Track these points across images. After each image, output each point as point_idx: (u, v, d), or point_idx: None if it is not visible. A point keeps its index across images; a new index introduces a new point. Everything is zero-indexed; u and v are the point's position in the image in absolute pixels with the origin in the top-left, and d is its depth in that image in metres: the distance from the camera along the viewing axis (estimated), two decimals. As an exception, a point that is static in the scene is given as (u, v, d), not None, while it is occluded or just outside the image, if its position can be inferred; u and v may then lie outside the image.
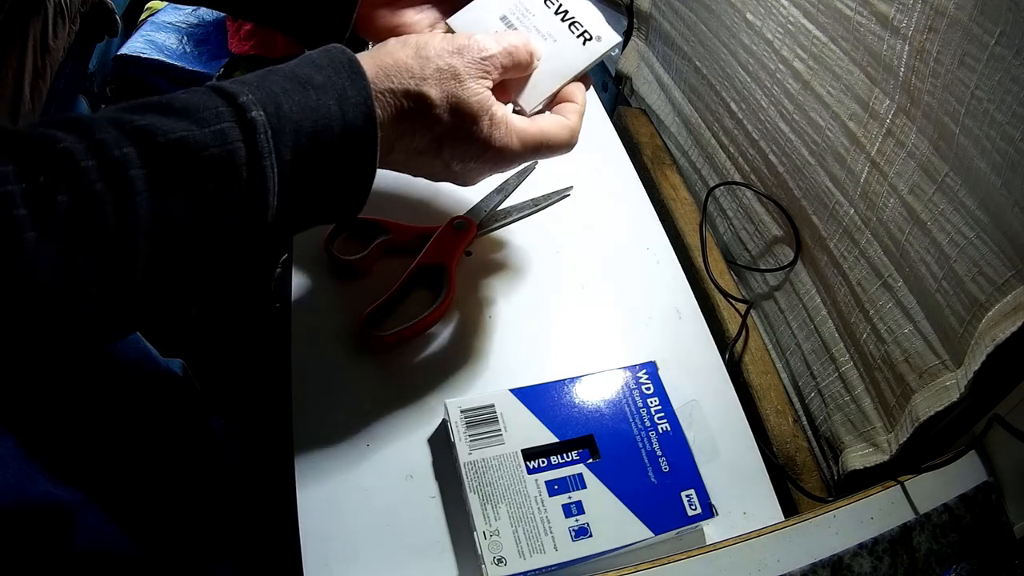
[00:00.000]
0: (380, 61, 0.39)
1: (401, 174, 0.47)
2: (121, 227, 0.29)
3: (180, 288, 0.33)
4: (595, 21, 0.47)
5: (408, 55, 0.39)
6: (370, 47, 0.43)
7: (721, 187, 0.69)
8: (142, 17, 1.38)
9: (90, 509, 0.55)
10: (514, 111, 0.46)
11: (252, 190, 0.33)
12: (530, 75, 0.46)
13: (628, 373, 0.51)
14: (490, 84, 0.41)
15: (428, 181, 0.68)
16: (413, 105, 0.38)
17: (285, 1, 0.49)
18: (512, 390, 0.48)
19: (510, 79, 0.45)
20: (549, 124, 0.44)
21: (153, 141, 0.30)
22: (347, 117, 0.35)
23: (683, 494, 0.45)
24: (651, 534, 0.43)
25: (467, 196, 0.64)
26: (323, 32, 0.49)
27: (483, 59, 0.41)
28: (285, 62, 0.38)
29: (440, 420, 0.49)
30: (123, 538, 0.58)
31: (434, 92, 0.38)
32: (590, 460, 0.46)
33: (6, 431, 0.49)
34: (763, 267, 0.64)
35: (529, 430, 0.46)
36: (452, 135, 0.40)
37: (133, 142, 0.29)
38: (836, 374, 0.55)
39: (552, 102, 0.47)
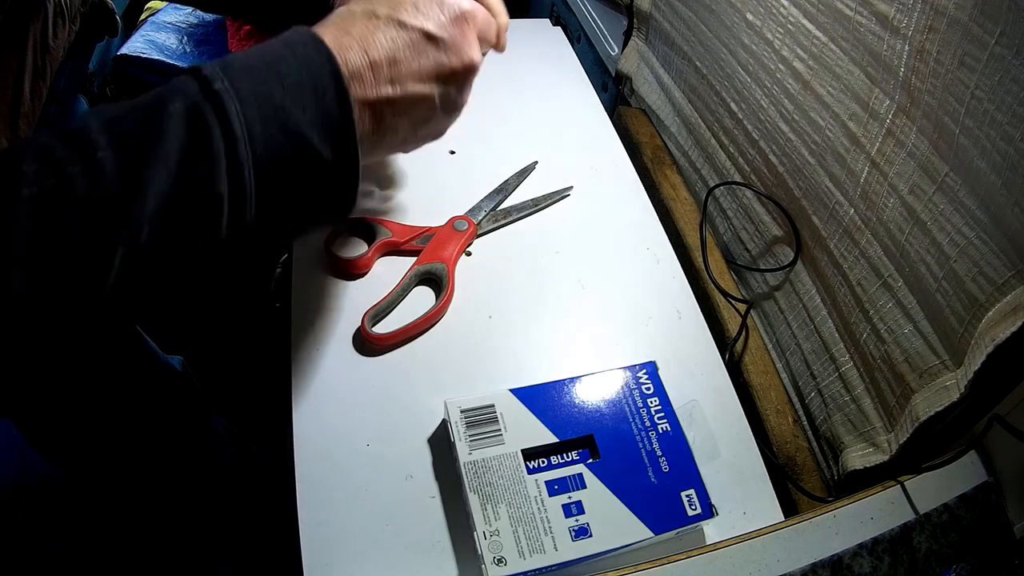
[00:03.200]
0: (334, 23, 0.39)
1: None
2: (98, 207, 0.29)
3: (170, 278, 0.33)
4: None
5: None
6: None
7: (721, 187, 0.69)
8: (142, 17, 1.38)
9: (87, 493, 0.55)
10: None
11: (225, 146, 0.32)
12: None
13: (628, 373, 0.51)
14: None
15: (427, 182, 0.68)
16: (364, 18, 0.38)
17: (281, 5, 0.49)
18: (512, 390, 0.48)
19: None
20: None
21: (119, 126, 0.30)
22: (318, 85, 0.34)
23: (683, 494, 0.45)
24: (651, 534, 0.43)
25: (467, 196, 0.64)
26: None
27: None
28: None
29: (440, 420, 0.49)
30: (121, 526, 0.58)
31: (356, 6, 0.39)
32: (590, 460, 0.46)
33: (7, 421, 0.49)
34: (763, 267, 0.64)
35: (529, 430, 0.46)
36: (408, 9, 0.39)
37: (105, 129, 0.30)
38: (836, 374, 0.55)
39: None
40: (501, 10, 0.47)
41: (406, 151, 0.46)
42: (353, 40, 0.36)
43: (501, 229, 0.64)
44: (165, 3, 1.39)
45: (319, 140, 0.34)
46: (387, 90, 0.38)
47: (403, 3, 0.38)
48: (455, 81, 0.41)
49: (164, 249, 0.31)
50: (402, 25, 0.38)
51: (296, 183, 0.34)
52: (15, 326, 0.29)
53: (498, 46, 0.48)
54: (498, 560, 0.41)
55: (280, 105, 0.33)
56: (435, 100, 0.40)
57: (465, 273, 0.59)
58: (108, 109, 0.31)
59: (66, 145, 0.29)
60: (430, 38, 0.38)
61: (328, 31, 0.37)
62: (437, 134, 0.44)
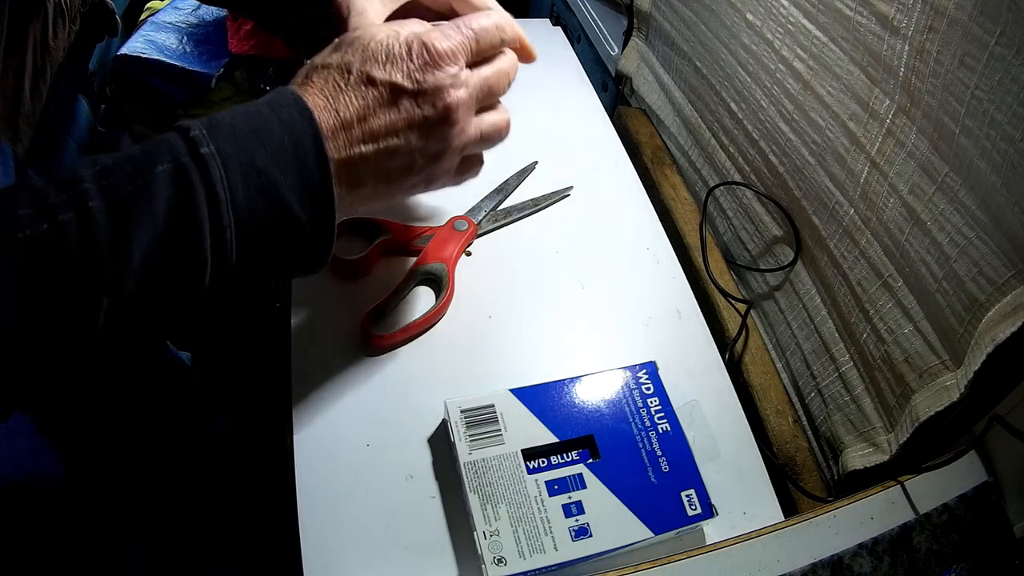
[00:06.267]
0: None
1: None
2: (88, 256, 0.30)
3: (154, 321, 0.34)
4: None
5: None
6: None
7: (721, 187, 0.69)
8: (142, 17, 1.38)
9: (95, 491, 0.55)
10: None
11: (209, 208, 0.33)
12: None
13: (628, 373, 0.51)
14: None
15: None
16: (333, 74, 0.38)
17: (286, 3, 0.49)
18: (512, 390, 0.48)
19: None
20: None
21: (110, 177, 0.31)
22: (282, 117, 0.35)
23: (683, 494, 0.45)
24: (651, 534, 0.43)
25: (467, 196, 0.64)
26: (319, 34, 0.49)
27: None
28: (283, 63, 0.38)
29: (440, 420, 0.49)
30: (126, 524, 0.58)
31: (334, 57, 0.39)
32: (590, 460, 0.46)
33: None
34: (763, 267, 0.64)
35: (529, 430, 0.46)
36: (380, 62, 0.38)
37: (96, 179, 0.31)
38: (836, 374, 0.55)
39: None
40: (503, 23, 0.44)
41: (396, 200, 0.46)
42: (327, 100, 0.37)
43: (501, 229, 0.64)
44: (165, 3, 1.39)
45: (298, 205, 0.35)
46: (360, 148, 0.38)
47: (374, 54, 0.38)
48: (430, 129, 0.40)
49: (149, 299, 0.32)
50: (371, 81, 0.38)
51: (274, 243, 0.36)
52: (7, 362, 0.30)
53: (526, 58, 0.46)
54: (498, 560, 0.41)
55: (262, 169, 0.34)
56: (412, 152, 0.40)
57: (465, 273, 0.59)
58: (100, 159, 0.32)
59: (59, 191, 0.30)
60: (400, 91, 0.38)
61: (308, 92, 0.37)
62: (432, 180, 0.43)
